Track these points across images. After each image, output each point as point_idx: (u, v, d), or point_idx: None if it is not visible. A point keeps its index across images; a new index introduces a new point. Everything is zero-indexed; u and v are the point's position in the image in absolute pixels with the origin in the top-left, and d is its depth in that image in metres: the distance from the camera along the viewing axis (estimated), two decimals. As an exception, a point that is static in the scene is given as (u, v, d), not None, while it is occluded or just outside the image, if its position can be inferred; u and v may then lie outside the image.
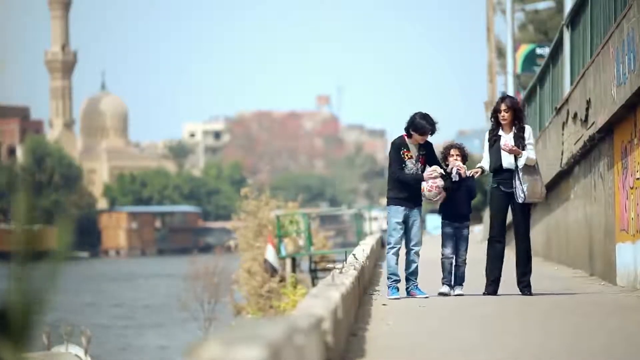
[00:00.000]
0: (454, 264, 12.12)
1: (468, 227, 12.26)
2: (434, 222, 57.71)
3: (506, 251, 12.21)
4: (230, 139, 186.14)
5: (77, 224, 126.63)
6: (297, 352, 4.15)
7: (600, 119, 14.18)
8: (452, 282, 12.14)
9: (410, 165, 11.65)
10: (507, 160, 11.83)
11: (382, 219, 75.16)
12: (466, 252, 12.11)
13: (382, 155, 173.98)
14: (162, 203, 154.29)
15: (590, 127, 15.12)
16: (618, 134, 13.59)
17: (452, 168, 12.04)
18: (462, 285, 12.10)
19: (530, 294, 11.71)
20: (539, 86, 23.24)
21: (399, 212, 11.69)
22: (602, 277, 14.80)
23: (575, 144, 16.79)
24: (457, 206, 12.08)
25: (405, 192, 11.69)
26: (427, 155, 11.72)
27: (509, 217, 12.18)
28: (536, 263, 20.17)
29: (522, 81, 38.21)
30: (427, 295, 11.68)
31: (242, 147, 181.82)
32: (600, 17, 14.84)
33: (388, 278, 11.81)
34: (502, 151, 11.82)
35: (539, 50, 32.87)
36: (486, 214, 38.47)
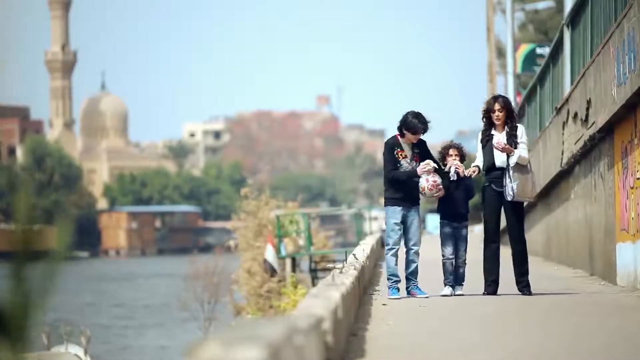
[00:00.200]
0: (454, 264, 12.10)
1: (467, 227, 12.24)
2: (434, 221, 57.68)
3: (503, 250, 12.20)
4: (230, 139, 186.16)
5: (77, 224, 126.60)
6: (297, 352, 4.14)
7: (600, 118, 14.17)
8: (454, 283, 12.11)
9: (405, 165, 11.64)
10: (500, 159, 11.84)
11: (382, 218, 75.09)
12: (466, 252, 12.09)
13: (382, 155, 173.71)
14: (162, 203, 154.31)
15: (590, 126, 15.12)
16: (618, 133, 13.58)
17: (450, 167, 12.04)
18: (462, 285, 12.08)
19: (530, 294, 11.70)
20: (539, 86, 23.23)
21: (396, 213, 11.67)
22: (602, 277, 14.80)
23: (575, 143, 16.78)
24: (455, 206, 12.07)
25: (401, 192, 11.67)
26: (422, 153, 11.71)
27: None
28: (536, 263, 20.18)
29: (522, 81, 38.20)
30: (427, 295, 11.67)
31: (242, 147, 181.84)
32: (601, 16, 14.84)
33: (388, 279, 11.80)
34: (494, 150, 11.83)
35: (539, 50, 32.88)
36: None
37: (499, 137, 11.87)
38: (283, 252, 31.28)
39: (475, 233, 30.48)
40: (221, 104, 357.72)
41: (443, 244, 12.11)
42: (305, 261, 33.56)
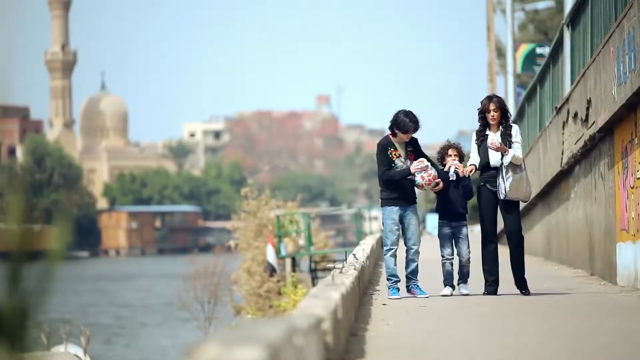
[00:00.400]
0: (454, 264, 12.08)
1: (466, 226, 12.22)
2: (434, 221, 57.61)
3: (501, 250, 12.18)
4: (230, 139, 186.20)
5: (77, 224, 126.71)
6: (297, 353, 4.13)
7: (600, 118, 14.16)
8: (455, 282, 12.06)
9: (400, 164, 11.63)
10: (494, 158, 11.85)
11: (381, 219, 75.08)
12: (469, 251, 12.04)
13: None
14: (162, 203, 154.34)
15: (590, 126, 15.11)
16: (618, 133, 13.57)
17: (449, 167, 12.03)
18: (467, 283, 12.00)
19: (529, 294, 11.68)
20: (539, 86, 23.21)
21: (393, 213, 11.66)
22: (603, 277, 14.79)
23: (575, 143, 16.77)
24: (453, 206, 12.06)
25: (397, 191, 11.65)
26: (415, 151, 11.70)
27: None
28: (536, 263, 20.18)
29: (522, 81, 38.20)
30: (427, 295, 11.64)
31: (242, 146, 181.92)
32: (601, 16, 14.83)
33: (388, 279, 11.78)
34: (489, 149, 11.84)
35: (539, 50, 32.85)
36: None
37: (494, 137, 11.88)
38: (283, 252, 31.28)
39: (476, 233, 30.50)
40: (221, 104, 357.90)
41: (442, 244, 12.10)
42: (305, 261, 33.57)
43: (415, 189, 11.78)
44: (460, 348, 7.06)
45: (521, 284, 11.82)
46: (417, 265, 11.73)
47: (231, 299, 34.21)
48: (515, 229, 11.92)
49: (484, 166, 11.93)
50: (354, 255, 12.85)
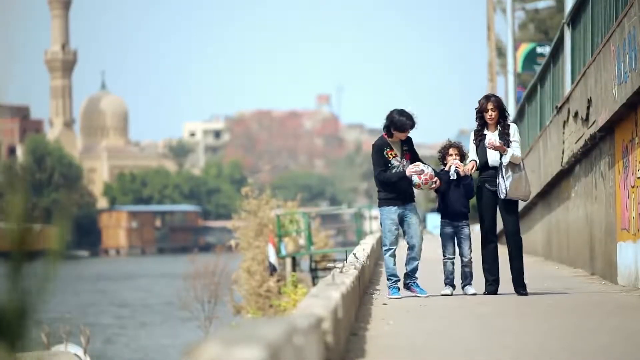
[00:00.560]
0: (455, 264, 12.06)
1: (468, 226, 12.20)
2: (434, 221, 57.66)
3: (500, 250, 12.16)
4: (231, 138, 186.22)
5: (77, 223, 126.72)
6: (297, 352, 4.12)
7: (601, 117, 14.15)
8: (460, 285, 12.01)
9: (396, 163, 11.60)
10: (493, 158, 11.84)
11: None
12: (471, 251, 12.01)
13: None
14: (162, 202, 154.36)
15: (591, 126, 15.10)
16: (619, 132, 13.56)
17: (450, 167, 12.03)
18: (471, 283, 11.96)
19: (526, 294, 11.64)
20: (540, 85, 23.20)
21: (391, 213, 11.63)
22: (603, 277, 14.78)
23: (576, 142, 16.76)
24: (455, 205, 12.04)
25: (394, 191, 11.62)
26: (410, 150, 11.68)
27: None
28: (537, 262, 20.17)
29: (522, 80, 38.19)
30: (427, 294, 11.62)
31: (242, 146, 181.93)
32: (601, 15, 14.82)
33: (388, 279, 11.76)
34: (487, 149, 11.83)
35: (539, 49, 32.87)
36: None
37: (492, 137, 11.86)
38: (283, 252, 31.27)
39: (476, 232, 30.47)
40: (221, 104, 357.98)
41: (444, 244, 12.08)
42: (306, 260, 33.57)
43: (414, 188, 11.77)
44: (461, 348, 7.05)
45: (519, 284, 11.79)
46: (417, 265, 11.70)
47: (231, 299, 34.21)
48: (514, 230, 11.91)
49: (483, 166, 11.93)
50: (354, 254, 12.84)
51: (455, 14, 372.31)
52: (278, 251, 30.91)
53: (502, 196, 11.73)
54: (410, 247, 11.70)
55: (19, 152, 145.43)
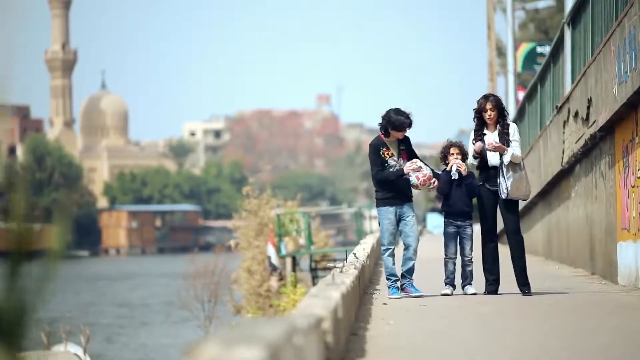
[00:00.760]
0: (456, 264, 12.04)
1: (471, 225, 12.20)
2: (434, 221, 57.64)
3: (501, 250, 12.16)
4: (231, 138, 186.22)
5: (78, 223, 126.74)
6: (297, 352, 4.12)
7: (601, 117, 14.15)
8: (460, 285, 12.00)
9: (393, 163, 11.59)
10: (493, 158, 11.83)
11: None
12: (472, 251, 12.01)
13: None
14: (163, 202, 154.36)
15: (591, 125, 15.09)
16: (619, 132, 13.56)
17: (451, 166, 12.02)
18: (472, 283, 11.95)
19: (530, 294, 11.65)
20: (540, 85, 23.20)
21: (389, 213, 11.62)
22: (603, 276, 14.78)
23: (576, 142, 16.76)
24: (457, 204, 12.03)
25: (392, 191, 11.62)
26: (407, 150, 11.67)
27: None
28: (537, 262, 20.16)
29: (522, 80, 38.19)
30: (421, 294, 11.58)
31: (242, 146, 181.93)
32: (602, 15, 14.81)
33: (387, 279, 11.76)
34: (487, 149, 11.82)
35: (539, 49, 32.86)
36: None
37: (491, 137, 11.85)
38: (283, 251, 31.27)
39: (476, 232, 30.46)
40: (221, 103, 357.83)
41: (446, 243, 12.06)
42: (306, 260, 33.55)
43: (412, 188, 11.76)
44: (461, 347, 7.05)
45: (523, 283, 11.79)
46: (413, 264, 11.66)
47: (231, 298, 34.21)
48: (515, 229, 11.91)
49: (483, 166, 11.92)
50: (354, 254, 12.84)
51: (455, 14, 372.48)
52: (278, 250, 30.91)
53: (504, 196, 11.72)
54: (406, 247, 11.68)
55: (19, 151, 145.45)
